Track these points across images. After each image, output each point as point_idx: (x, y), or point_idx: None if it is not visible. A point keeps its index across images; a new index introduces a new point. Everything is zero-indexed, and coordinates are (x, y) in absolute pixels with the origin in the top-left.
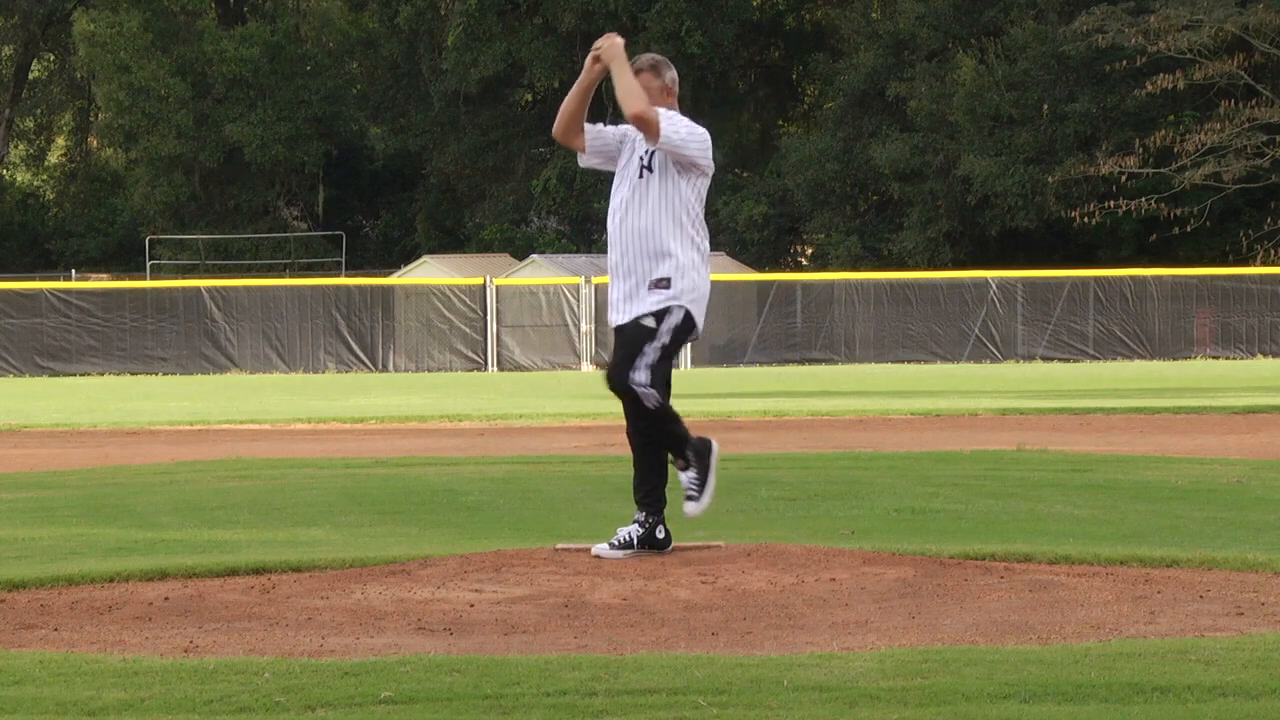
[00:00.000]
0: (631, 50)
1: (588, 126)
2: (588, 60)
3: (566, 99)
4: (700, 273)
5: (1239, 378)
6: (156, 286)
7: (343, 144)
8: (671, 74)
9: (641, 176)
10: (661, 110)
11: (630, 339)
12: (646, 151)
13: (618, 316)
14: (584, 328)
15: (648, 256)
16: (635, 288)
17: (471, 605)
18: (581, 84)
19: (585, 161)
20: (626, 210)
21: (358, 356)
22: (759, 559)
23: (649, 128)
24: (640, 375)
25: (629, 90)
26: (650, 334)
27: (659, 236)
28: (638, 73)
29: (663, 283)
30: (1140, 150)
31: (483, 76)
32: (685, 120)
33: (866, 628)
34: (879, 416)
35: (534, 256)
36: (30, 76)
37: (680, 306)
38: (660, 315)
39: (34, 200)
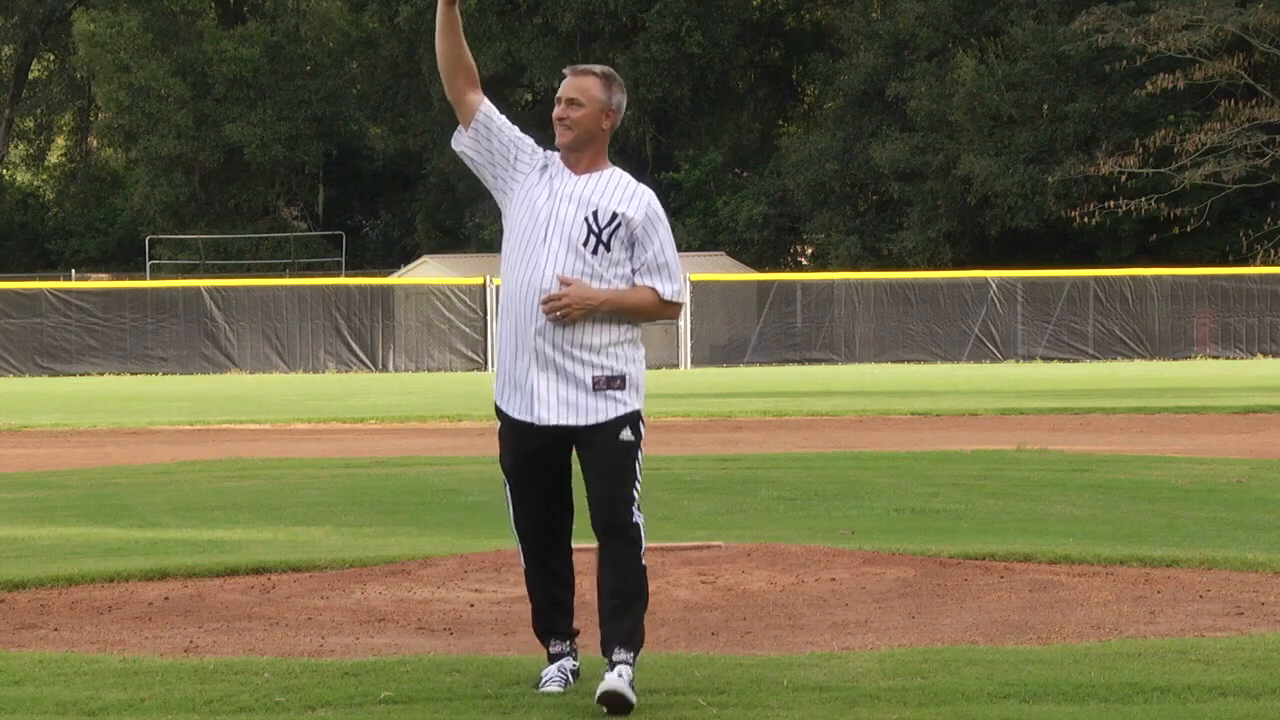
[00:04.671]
0: (631, 52)
1: (482, 106)
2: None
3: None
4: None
5: (1239, 378)
6: (156, 286)
7: (343, 144)
8: (620, 97)
9: (593, 249)
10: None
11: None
12: (592, 208)
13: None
14: None
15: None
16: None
17: (471, 605)
18: (439, 19)
19: (458, 144)
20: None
21: (358, 356)
22: (759, 559)
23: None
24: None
25: (639, 309)
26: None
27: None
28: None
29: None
30: (1140, 150)
31: (483, 76)
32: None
33: (866, 628)
34: (879, 416)
35: None
36: (30, 76)
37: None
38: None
39: (34, 200)
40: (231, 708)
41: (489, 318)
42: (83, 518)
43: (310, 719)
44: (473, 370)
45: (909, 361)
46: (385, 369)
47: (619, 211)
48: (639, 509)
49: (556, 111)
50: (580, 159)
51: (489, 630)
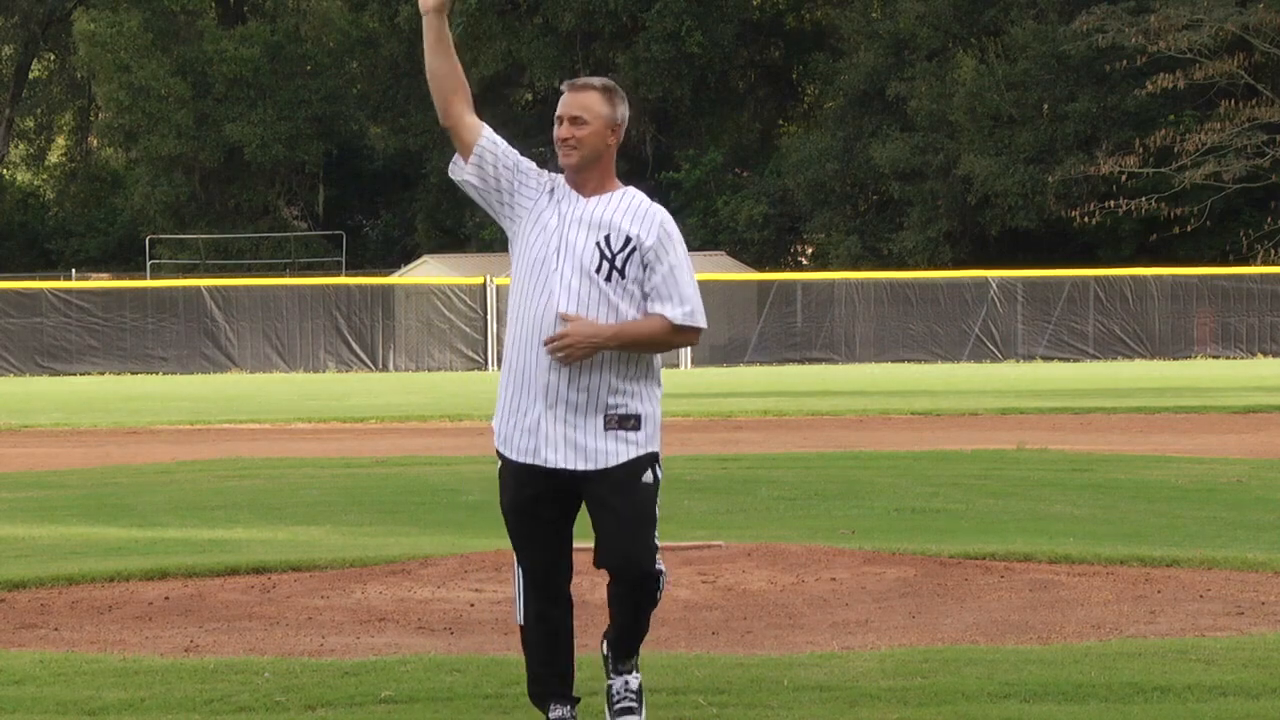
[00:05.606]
0: (631, 52)
1: (483, 131)
2: (425, 20)
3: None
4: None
5: (1239, 377)
6: (157, 286)
7: (343, 143)
8: (624, 109)
9: (607, 275)
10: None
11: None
12: (612, 236)
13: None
14: None
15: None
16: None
17: (472, 605)
18: (425, 35)
19: (458, 174)
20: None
21: (358, 356)
22: (759, 558)
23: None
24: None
25: (651, 339)
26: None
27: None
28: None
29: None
30: (1140, 150)
31: (483, 76)
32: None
33: (867, 627)
34: (879, 416)
35: None
36: (30, 76)
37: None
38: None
39: (34, 200)
40: (232, 707)
41: (489, 317)
42: (83, 517)
43: (310, 718)
44: (473, 370)
45: (909, 361)
46: (385, 369)
47: (632, 235)
48: (660, 556)
49: (559, 132)
50: (588, 180)
51: (489, 630)
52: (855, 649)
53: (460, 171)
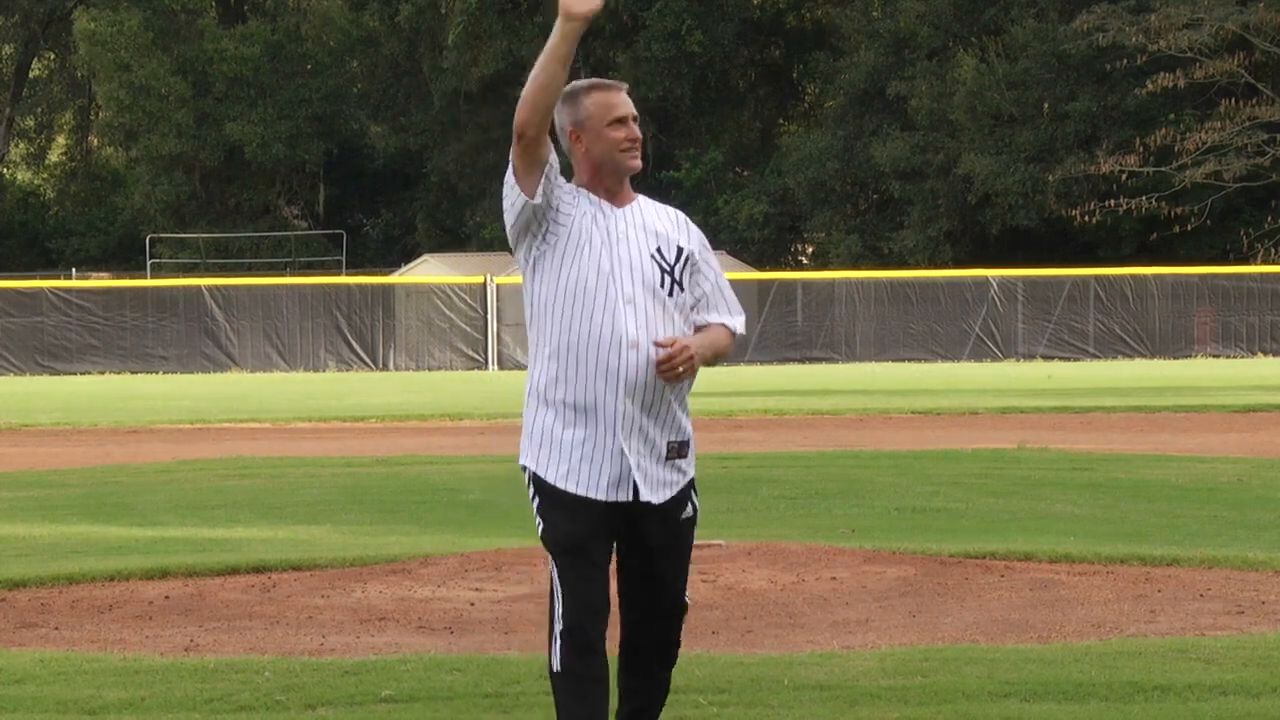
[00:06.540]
0: (632, 51)
1: (552, 148)
2: (565, 29)
3: (540, 71)
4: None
5: (1239, 376)
6: (157, 285)
7: (343, 143)
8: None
9: (668, 290)
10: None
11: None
12: (668, 249)
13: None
14: None
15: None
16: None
17: (472, 604)
18: (561, 47)
19: (532, 193)
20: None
21: (358, 355)
22: (760, 558)
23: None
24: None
25: (719, 352)
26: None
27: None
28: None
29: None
30: (1141, 149)
31: (483, 75)
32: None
33: (867, 626)
34: (880, 415)
35: None
36: (31, 75)
37: None
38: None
39: (34, 199)
40: (232, 706)
41: (490, 316)
42: (83, 516)
43: (311, 718)
44: (473, 369)
45: (910, 360)
46: (386, 368)
47: (682, 245)
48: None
49: (628, 133)
50: (621, 188)
51: (489, 629)
52: (855, 648)
53: (531, 191)
